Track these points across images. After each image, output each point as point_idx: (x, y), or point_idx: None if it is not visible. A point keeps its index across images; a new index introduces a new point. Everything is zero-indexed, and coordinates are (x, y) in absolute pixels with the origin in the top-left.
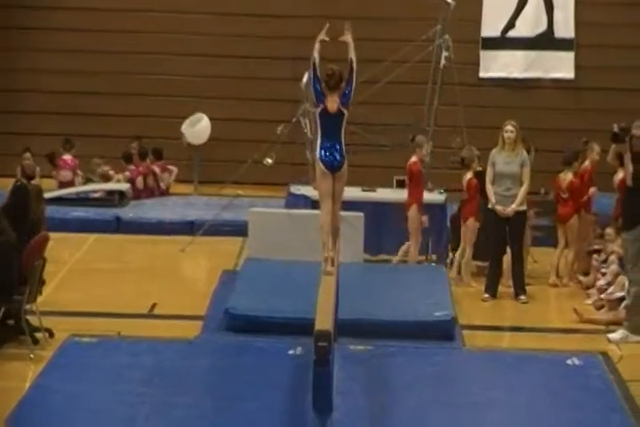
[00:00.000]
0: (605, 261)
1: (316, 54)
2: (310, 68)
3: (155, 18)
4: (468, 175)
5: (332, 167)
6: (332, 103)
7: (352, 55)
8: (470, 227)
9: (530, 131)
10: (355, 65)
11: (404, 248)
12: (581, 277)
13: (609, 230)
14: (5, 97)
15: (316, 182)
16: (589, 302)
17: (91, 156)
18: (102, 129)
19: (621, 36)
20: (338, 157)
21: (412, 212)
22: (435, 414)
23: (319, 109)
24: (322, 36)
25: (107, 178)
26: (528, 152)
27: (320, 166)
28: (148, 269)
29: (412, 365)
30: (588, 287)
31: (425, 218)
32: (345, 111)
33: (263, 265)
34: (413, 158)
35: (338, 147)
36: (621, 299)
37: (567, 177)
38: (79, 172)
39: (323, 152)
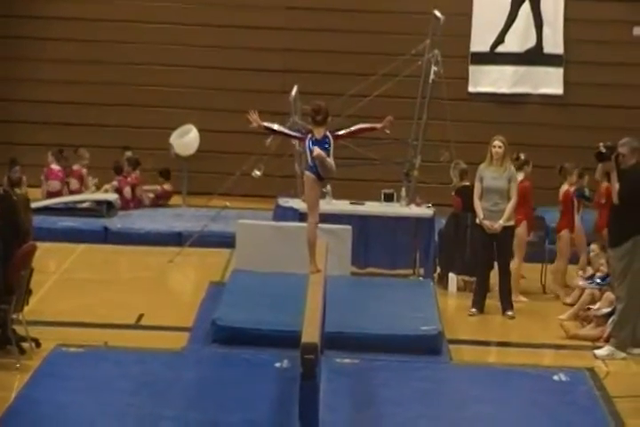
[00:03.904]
0: (591, 277)
1: (275, 126)
2: (282, 132)
3: (145, 29)
4: (520, 176)
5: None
6: (320, 132)
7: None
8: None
9: (518, 146)
10: (352, 130)
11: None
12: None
13: (593, 246)
14: None
15: (305, 193)
16: (563, 317)
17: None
18: (90, 139)
19: (610, 53)
20: None
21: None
22: None
23: (307, 139)
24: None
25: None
26: (528, 164)
27: (308, 175)
28: (135, 280)
29: (399, 379)
30: (572, 304)
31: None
32: (331, 137)
33: (250, 277)
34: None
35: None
36: (608, 315)
37: (563, 189)
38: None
39: (312, 164)
